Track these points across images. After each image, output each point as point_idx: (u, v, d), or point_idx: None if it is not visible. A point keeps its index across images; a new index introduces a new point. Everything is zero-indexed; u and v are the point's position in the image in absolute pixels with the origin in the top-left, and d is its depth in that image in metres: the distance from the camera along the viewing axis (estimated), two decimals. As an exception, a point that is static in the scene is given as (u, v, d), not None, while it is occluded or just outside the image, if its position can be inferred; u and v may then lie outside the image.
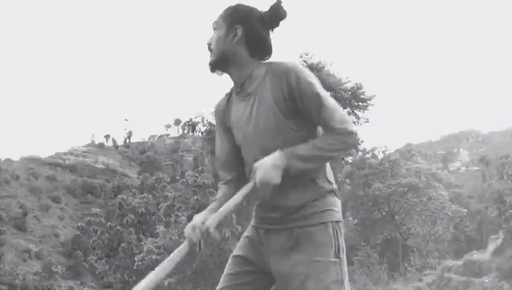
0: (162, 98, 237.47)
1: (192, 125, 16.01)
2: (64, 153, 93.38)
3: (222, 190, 1.91)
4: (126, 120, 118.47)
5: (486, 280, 14.65)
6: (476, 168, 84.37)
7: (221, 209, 1.71)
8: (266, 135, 1.74)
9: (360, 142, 25.35)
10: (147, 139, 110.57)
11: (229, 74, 1.83)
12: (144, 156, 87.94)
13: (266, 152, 1.70)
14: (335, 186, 1.83)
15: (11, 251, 47.50)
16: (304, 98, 1.70)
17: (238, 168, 1.89)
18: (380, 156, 32.99)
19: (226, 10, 1.82)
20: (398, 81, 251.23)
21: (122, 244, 18.85)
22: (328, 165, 1.82)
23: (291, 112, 1.72)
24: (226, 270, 1.85)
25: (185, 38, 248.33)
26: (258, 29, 1.78)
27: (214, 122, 15.64)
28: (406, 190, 29.08)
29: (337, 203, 1.80)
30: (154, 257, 13.95)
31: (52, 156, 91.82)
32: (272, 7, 1.79)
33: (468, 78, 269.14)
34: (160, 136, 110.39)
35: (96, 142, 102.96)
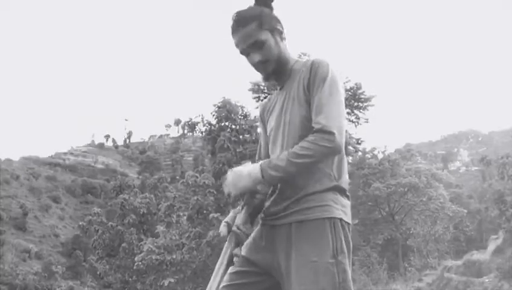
0: (162, 98, 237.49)
1: (192, 126, 15.99)
2: (64, 153, 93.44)
3: None
4: (126, 120, 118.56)
5: (487, 280, 14.64)
6: (476, 168, 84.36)
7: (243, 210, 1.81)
8: (290, 125, 1.80)
9: (359, 142, 25.35)
10: (147, 139, 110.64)
11: (279, 77, 1.89)
12: (144, 156, 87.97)
13: (288, 142, 1.77)
14: (342, 184, 1.77)
15: (11, 251, 47.51)
16: (313, 89, 1.74)
17: None
18: (380, 156, 33.02)
19: (257, 20, 1.79)
20: (398, 81, 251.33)
21: (123, 244, 18.84)
22: (336, 161, 1.78)
23: (308, 103, 1.76)
24: (229, 269, 1.85)
25: (185, 39, 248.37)
26: (278, 17, 1.86)
27: (213, 122, 15.72)
28: (405, 189, 29.08)
29: (338, 200, 1.74)
30: (154, 257, 13.94)
31: (52, 156, 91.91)
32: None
33: (468, 78, 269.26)
34: (160, 136, 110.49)
35: (96, 142, 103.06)
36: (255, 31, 1.78)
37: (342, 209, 1.74)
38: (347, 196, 1.79)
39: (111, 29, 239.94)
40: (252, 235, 1.87)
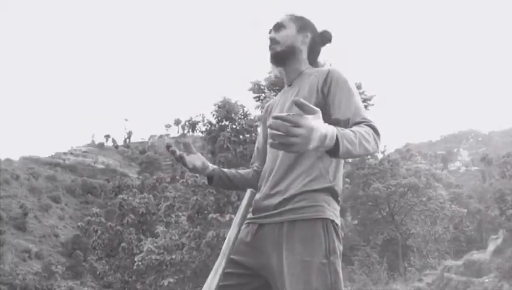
0: (162, 98, 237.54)
1: (192, 125, 15.96)
2: (64, 153, 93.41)
3: (246, 170, 2.13)
4: (126, 120, 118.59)
5: (487, 280, 14.64)
6: (476, 168, 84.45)
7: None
8: None
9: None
10: (147, 139, 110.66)
11: (285, 68, 2.00)
12: (144, 156, 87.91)
13: None
14: (335, 187, 1.77)
15: (11, 251, 47.47)
16: (336, 91, 1.77)
17: (262, 160, 2.05)
18: (380, 156, 33.02)
19: (294, 16, 2.01)
20: (398, 81, 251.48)
21: (122, 244, 18.82)
22: (334, 163, 1.78)
23: (318, 106, 1.72)
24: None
25: (185, 39, 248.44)
26: (317, 41, 2.03)
27: (213, 121, 15.68)
28: (405, 190, 29.09)
29: (330, 202, 1.74)
30: (154, 257, 13.93)
31: (52, 156, 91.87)
32: (324, 33, 2.04)
33: (468, 78, 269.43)
34: (160, 136, 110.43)
35: (96, 142, 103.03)
36: (285, 19, 2.00)
37: (333, 211, 1.74)
38: (338, 201, 1.79)
39: (111, 29, 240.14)
40: (240, 235, 1.85)
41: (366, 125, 1.63)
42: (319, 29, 2.06)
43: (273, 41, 1.98)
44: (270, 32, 2.02)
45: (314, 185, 1.73)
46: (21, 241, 53.19)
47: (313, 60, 2.03)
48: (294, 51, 1.96)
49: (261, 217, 1.80)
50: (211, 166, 2.06)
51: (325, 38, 2.04)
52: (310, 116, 1.34)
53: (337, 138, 1.42)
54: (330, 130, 1.41)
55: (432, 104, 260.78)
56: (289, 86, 1.98)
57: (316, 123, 1.35)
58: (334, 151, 1.43)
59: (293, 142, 1.31)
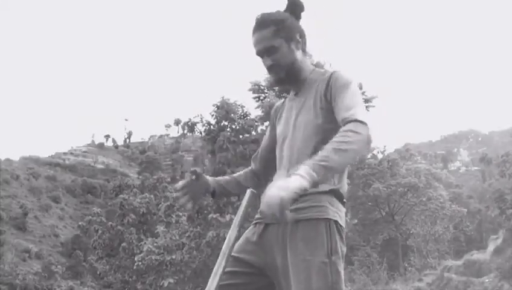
0: (162, 98, 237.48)
1: (191, 126, 15.98)
2: (64, 153, 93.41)
3: (245, 171, 2.11)
4: (126, 120, 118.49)
5: (487, 280, 14.63)
6: (476, 168, 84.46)
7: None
8: (303, 129, 1.80)
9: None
10: (147, 139, 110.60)
11: (291, 84, 1.92)
12: (143, 156, 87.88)
13: (298, 146, 1.79)
14: (340, 190, 1.78)
15: (11, 251, 47.46)
16: (335, 94, 1.74)
17: (263, 164, 2.06)
18: (380, 156, 33.04)
19: (273, 25, 1.81)
20: (398, 81, 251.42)
21: (122, 244, 18.84)
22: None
23: (323, 110, 1.78)
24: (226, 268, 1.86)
25: (185, 39, 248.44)
26: (301, 28, 1.88)
27: (212, 122, 15.68)
28: (405, 190, 29.08)
29: (334, 203, 1.75)
30: (154, 257, 13.94)
31: (52, 156, 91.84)
32: (289, 4, 1.87)
33: (468, 78, 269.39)
34: (160, 136, 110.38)
35: (96, 142, 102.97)
36: (270, 37, 1.81)
37: (338, 212, 1.75)
38: (343, 203, 1.80)
39: (111, 29, 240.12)
40: (244, 234, 1.88)
41: (348, 122, 1.61)
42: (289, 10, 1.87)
43: (274, 68, 1.84)
44: (261, 56, 1.85)
45: (318, 187, 1.71)
46: (21, 241, 53.20)
47: (305, 45, 1.90)
48: (295, 65, 1.85)
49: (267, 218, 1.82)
50: (211, 182, 1.99)
51: (297, 12, 1.88)
52: (273, 184, 1.48)
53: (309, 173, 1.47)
54: (301, 172, 1.46)
55: (432, 104, 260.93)
56: (295, 94, 1.93)
57: (276, 184, 1.47)
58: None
59: (268, 214, 1.46)
